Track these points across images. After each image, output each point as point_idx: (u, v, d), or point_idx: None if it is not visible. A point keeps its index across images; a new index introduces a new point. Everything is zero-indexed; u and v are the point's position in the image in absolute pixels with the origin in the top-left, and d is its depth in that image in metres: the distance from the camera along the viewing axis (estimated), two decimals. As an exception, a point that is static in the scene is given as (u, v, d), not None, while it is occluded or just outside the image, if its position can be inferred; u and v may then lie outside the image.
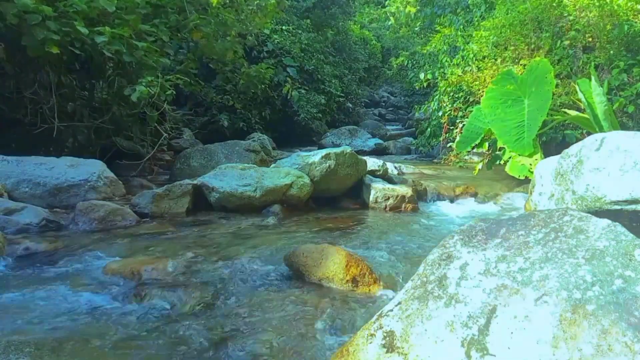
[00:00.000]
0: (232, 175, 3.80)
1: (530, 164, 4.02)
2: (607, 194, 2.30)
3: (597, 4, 4.75)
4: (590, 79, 4.08)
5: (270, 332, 1.72)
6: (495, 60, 5.64)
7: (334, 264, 2.18)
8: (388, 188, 4.07)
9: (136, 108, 5.09)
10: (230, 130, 8.45)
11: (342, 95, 12.02)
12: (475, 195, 4.43)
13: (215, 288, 2.11)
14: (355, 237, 3.05)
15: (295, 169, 3.97)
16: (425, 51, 9.09)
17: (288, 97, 9.62)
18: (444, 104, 6.76)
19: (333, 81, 11.63)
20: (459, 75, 6.09)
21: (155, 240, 2.87)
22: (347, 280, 2.13)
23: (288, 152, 7.39)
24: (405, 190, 4.05)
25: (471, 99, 6.18)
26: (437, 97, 7.03)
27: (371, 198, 4.03)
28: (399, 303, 1.37)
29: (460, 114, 6.41)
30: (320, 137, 10.27)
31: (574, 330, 1.10)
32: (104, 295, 2.06)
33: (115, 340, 1.65)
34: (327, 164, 3.97)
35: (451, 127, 6.63)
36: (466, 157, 6.21)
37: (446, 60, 7.27)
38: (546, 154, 3.77)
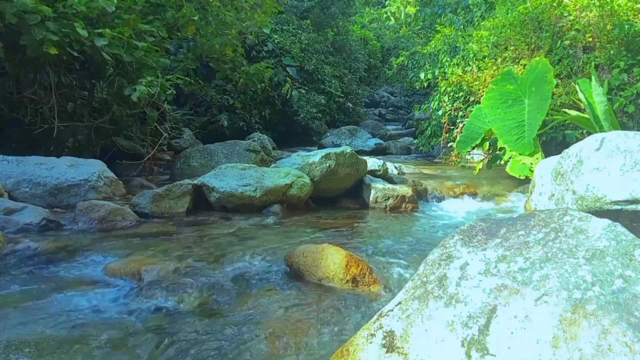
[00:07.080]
0: (232, 175, 3.80)
1: (531, 164, 4.01)
2: (607, 194, 2.29)
3: (597, 3, 4.75)
4: (590, 79, 4.08)
5: (270, 332, 1.72)
6: (496, 60, 5.64)
7: (334, 264, 2.18)
8: (388, 188, 4.07)
9: (136, 108, 5.09)
10: (230, 130, 8.46)
11: (342, 95, 12.02)
12: (475, 195, 4.43)
13: (215, 288, 2.11)
14: (356, 237, 3.04)
15: (295, 168, 3.97)
16: (425, 51, 9.11)
17: (288, 97, 9.63)
18: (444, 104, 6.76)
19: (333, 81, 11.64)
20: (459, 75, 6.09)
21: (155, 240, 2.87)
22: (347, 280, 2.13)
23: (288, 152, 7.39)
24: (405, 190, 4.05)
25: (471, 99, 6.18)
26: (437, 97, 7.04)
27: (371, 198, 4.02)
28: (399, 303, 1.37)
29: (461, 113, 6.41)
30: (320, 137, 10.27)
31: (574, 330, 1.09)
32: (103, 295, 2.06)
33: (115, 341, 1.65)
34: (327, 164, 3.97)
35: (451, 127, 6.64)
36: (467, 157, 6.21)
37: (446, 60, 7.29)
38: (546, 154, 3.77)
